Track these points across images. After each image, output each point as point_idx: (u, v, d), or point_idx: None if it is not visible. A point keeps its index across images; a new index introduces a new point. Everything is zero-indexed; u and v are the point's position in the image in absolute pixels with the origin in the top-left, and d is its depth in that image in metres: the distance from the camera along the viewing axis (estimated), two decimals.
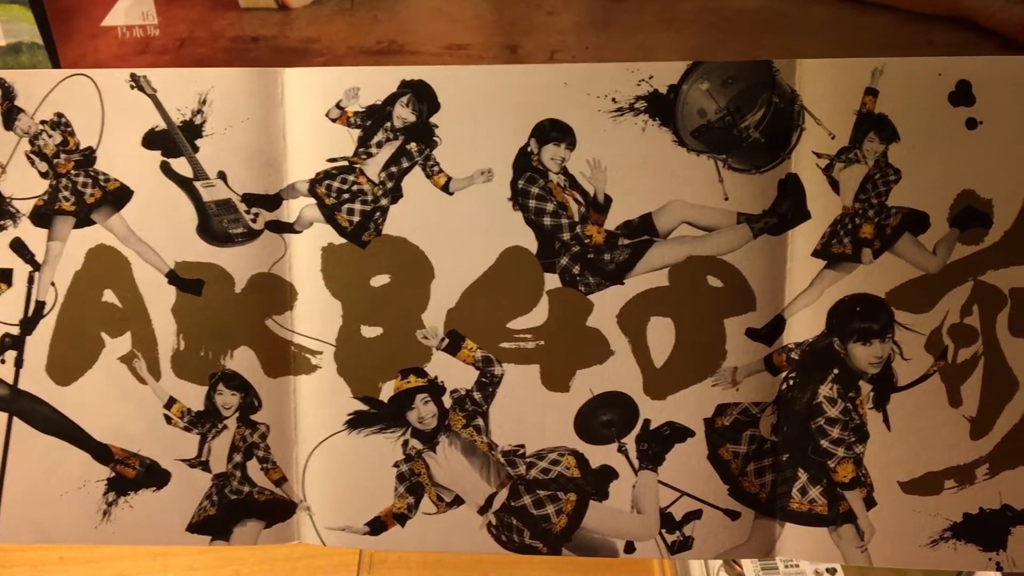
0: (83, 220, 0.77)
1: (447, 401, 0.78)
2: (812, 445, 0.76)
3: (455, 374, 0.77)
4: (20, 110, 0.74)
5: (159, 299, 0.77)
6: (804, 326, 0.75)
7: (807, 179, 0.73)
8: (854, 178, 0.72)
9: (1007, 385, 0.73)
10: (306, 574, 1.01)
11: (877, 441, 0.76)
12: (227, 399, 0.78)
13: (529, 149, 0.73)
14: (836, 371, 0.75)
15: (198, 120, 0.74)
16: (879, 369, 0.74)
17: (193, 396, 0.79)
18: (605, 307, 0.76)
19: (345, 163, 0.75)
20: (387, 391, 0.78)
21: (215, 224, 0.76)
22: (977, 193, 0.71)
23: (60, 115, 0.74)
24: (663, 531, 0.78)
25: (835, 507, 0.77)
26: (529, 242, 0.75)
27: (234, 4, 0.78)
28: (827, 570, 1.01)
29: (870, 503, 0.77)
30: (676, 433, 0.77)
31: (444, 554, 1.09)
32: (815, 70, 0.71)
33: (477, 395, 0.77)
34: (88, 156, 0.75)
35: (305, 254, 0.76)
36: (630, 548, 0.79)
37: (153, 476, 0.81)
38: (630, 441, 0.78)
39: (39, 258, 0.77)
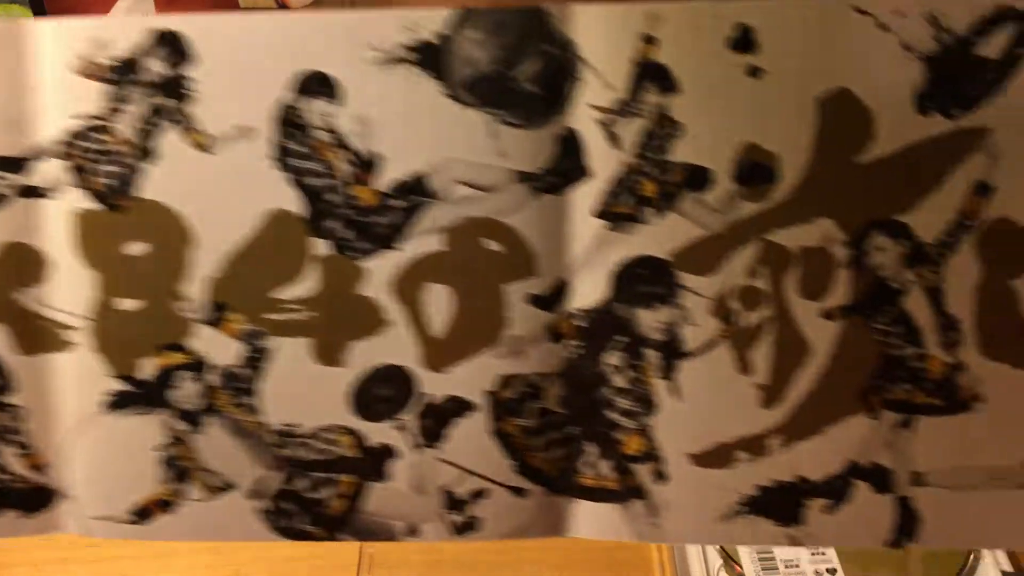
0: None
1: (213, 378, 0.62)
2: (600, 417, 0.63)
3: (220, 349, 0.63)
4: None
5: None
6: (588, 291, 0.62)
7: (586, 134, 0.60)
8: (634, 132, 0.60)
9: (798, 350, 0.61)
10: (306, 574, 0.92)
11: (666, 412, 0.63)
12: None
13: (292, 104, 0.59)
14: (622, 338, 0.61)
15: None
16: (666, 335, 0.61)
17: None
18: (379, 274, 0.62)
19: (97, 121, 0.59)
20: (148, 368, 0.62)
21: None
22: (761, 146, 0.59)
23: None
24: (447, 512, 0.64)
25: (626, 481, 0.64)
26: (296, 205, 0.61)
27: (233, 3, 0.67)
28: (828, 570, 0.95)
29: (662, 477, 0.64)
30: (457, 407, 0.64)
31: (445, 555, 1.05)
32: (590, 17, 0.58)
33: (245, 371, 0.63)
34: None
35: (56, 221, 0.61)
36: (413, 531, 0.65)
37: None
38: (409, 417, 0.63)
39: None
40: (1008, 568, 0.97)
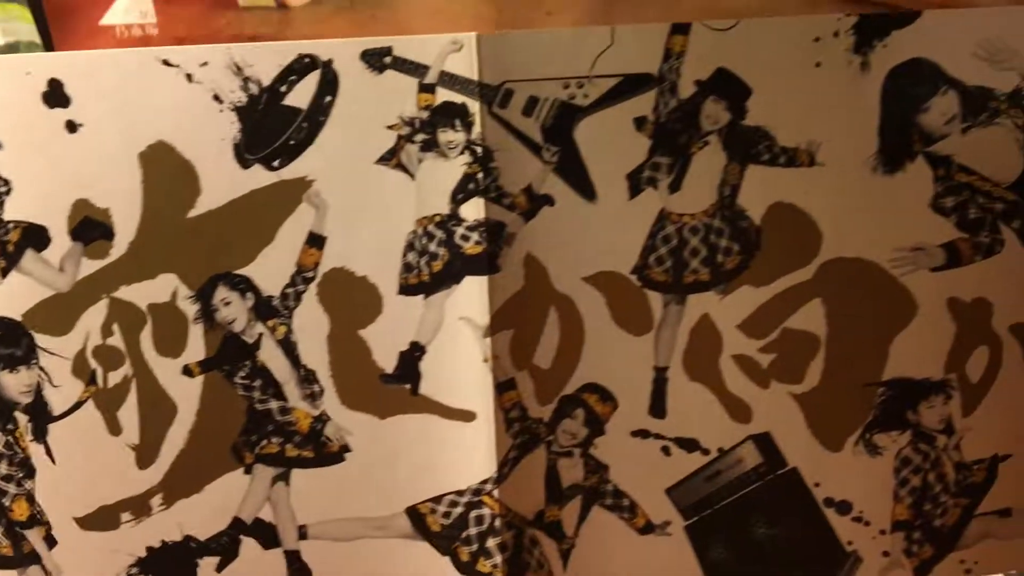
0: None
1: None
2: None
3: None
4: None
5: None
6: None
7: None
8: None
9: (165, 409, 0.47)
10: None
11: (46, 475, 0.48)
12: None
13: None
14: None
15: None
16: (32, 398, 0.44)
17: None
18: None
19: None
20: None
21: None
22: (92, 203, 0.43)
23: None
24: None
25: (20, 548, 0.47)
26: None
27: (233, 3, 0.59)
28: None
29: (51, 542, 0.49)
30: None
31: None
32: None
33: None
34: None
35: None
36: None
37: None
38: None
39: None
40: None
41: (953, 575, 0.57)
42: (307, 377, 0.53)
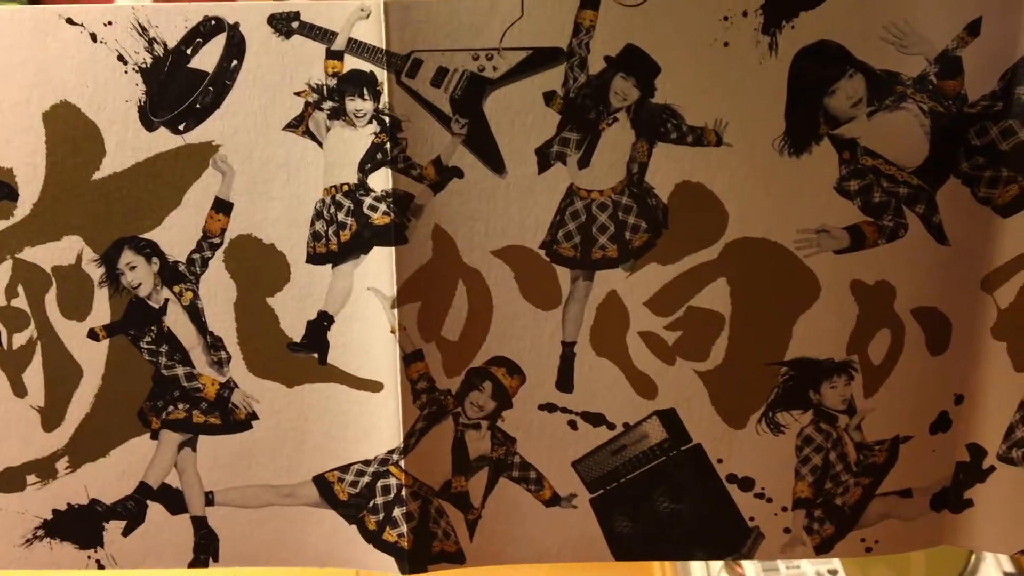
0: None
1: None
2: None
3: None
4: None
5: None
6: None
7: None
8: None
9: (70, 372, 0.47)
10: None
11: None
12: None
13: None
14: None
15: None
16: None
17: None
18: None
19: None
20: None
21: None
22: None
23: None
24: None
25: None
26: None
27: None
28: (828, 571, 0.82)
29: None
30: None
31: None
32: None
33: None
34: None
35: None
36: None
37: None
38: None
39: None
40: (1010, 569, 0.80)
41: (854, 553, 0.57)
42: (214, 344, 0.52)
